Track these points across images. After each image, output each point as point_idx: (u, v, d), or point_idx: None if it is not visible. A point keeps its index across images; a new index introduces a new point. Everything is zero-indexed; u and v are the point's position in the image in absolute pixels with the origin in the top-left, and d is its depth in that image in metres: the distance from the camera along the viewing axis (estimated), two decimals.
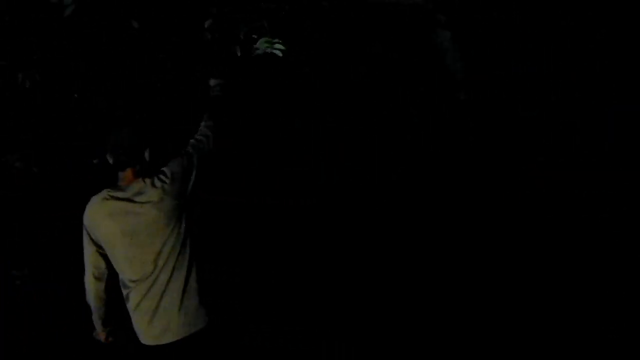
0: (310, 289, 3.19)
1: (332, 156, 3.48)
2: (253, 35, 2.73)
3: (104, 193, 2.09)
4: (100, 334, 2.23)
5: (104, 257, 2.11)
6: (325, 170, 3.47)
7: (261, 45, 2.58)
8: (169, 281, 2.08)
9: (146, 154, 2.11)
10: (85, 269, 2.15)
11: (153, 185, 2.08)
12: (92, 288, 2.14)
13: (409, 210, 3.40)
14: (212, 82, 2.55)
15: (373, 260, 3.29)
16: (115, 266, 2.12)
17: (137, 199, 2.07)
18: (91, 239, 2.10)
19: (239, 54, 2.72)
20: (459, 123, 3.45)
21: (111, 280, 2.15)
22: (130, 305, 2.12)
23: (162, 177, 2.11)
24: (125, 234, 2.06)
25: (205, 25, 2.82)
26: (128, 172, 2.10)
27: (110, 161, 2.11)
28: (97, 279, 2.12)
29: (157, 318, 2.09)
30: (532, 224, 3.31)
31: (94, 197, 2.11)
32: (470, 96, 3.43)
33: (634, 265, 3.07)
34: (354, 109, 3.48)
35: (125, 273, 2.10)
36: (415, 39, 3.47)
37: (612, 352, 2.74)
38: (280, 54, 2.59)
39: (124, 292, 2.14)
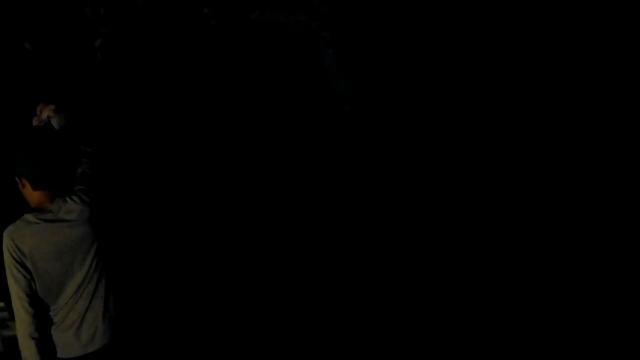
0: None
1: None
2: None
3: (30, 217, 2.06)
4: None
5: (34, 283, 2.07)
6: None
7: None
8: (94, 293, 2.11)
9: (63, 172, 2.12)
10: (15, 307, 2.06)
11: (82, 201, 2.09)
12: (27, 327, 2.05)
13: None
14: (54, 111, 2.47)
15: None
16: (40, 290, 2.08)
17: (67, 217, 2.07)
18: (21, 266, 2.04)
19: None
20: (346, 136, 3.56)
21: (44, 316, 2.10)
22: (55, 320, 2.12)
23: (86, 192, 2.12)
24: (56, 254, 2.05)
25: (96, 44, 2.92)
26: (49, 193, 2.09)
27: (26, 182, 2.09)
28: (32, 306, 2.05)
29: (83, 329, 2.11)
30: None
31: (15, 224, 2.06)
32: (358, 110, 3.57)
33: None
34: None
35: (52, 294, 2.09)
36: (300, 56, 3.57)
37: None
38: None
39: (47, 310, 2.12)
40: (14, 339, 2.50)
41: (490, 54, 3.54)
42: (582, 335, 2.88)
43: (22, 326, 2.06)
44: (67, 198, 2.10)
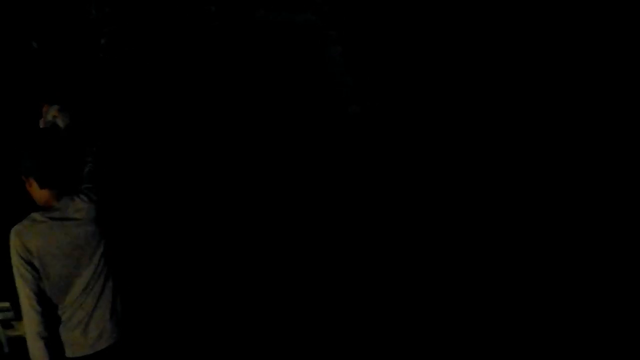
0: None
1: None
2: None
3: (37, 216, 2.06)
4: None
5: (42, 282, 2.06)
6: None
7: None
8: (101, 291, 2.11)
9: (69, 170, 2.11)
10: (23, 306, 2.05)
11: (90, 200, 2.09)
12: (36, 326, 2.03)
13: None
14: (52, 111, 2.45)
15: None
16: (47, 288, 2.07)
17: (74, 215, 2.07)
18: (29, 265, 2.03)
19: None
20: (353, 135, 3.56)
21: (52, 315, 2.09)
22: (62, 319, 2.12)
23: (93, 190, 2.12)
24: (64, 253, 2.05)
25: (101, 43, 2.94)
26: (55, 191, 2.08)
27: (33, 181, 2.07)
28: (40, 305, 2.04)
29: (90, 328, 2.11)
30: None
31: (22, 223, 2.05)
32: (364, 109, 3.57)
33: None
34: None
35: (59, 293, 2.08)
36: (306, 55, 3.57)
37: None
38: None
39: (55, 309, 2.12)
40: (19, 340, 2.51)
41: (494, 53, 3.55)
42: (582, 335, 2.88)
43: (31, 325, 2.05)
44: (74, 197, 2.09)
